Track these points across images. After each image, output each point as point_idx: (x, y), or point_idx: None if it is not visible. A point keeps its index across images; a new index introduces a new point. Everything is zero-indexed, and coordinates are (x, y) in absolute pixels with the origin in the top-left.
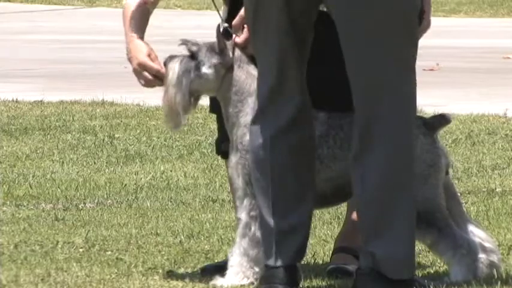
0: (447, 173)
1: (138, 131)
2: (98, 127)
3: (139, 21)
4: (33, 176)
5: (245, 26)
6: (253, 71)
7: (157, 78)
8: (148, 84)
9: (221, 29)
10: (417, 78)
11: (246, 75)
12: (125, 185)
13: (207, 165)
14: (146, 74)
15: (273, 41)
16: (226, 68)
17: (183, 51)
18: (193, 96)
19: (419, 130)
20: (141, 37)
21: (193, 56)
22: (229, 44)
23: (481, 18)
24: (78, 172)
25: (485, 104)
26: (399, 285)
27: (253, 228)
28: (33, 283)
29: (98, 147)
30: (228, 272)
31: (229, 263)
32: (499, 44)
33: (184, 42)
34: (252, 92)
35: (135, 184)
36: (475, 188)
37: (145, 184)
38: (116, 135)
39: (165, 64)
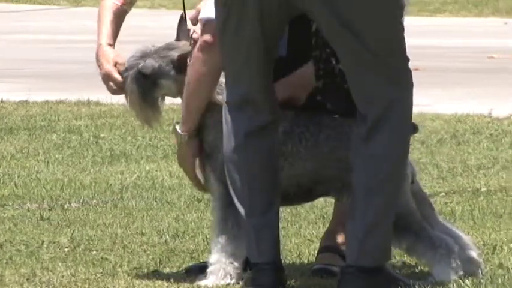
0: (413, 181)
1: (123, 131)
2: (83, 127)
3: (112, 25)
4: (18, 176)
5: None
6: None
7: (121, 88)
8: (114, 93)
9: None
10: None
11: None
12: (110, 184)
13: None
14: (111, 83)
15: (244, 44)
16: (184, 76)
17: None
18: (160, 99)
19: None
20: (110, 43)
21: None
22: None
23: (465, 18)
24: (63, 172)
25: (470, 103)
26: (379, 272)
27: (229, 224)
28: (18, 283)
29: (83, 147)
30: (209, 271)
31: (209, 261)
32: (483, 43)
33: (140, 57)
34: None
35: (121, 184)
36: (460, 188)
37: (131, 184)
38: (101, 135)
39: (121, 75)
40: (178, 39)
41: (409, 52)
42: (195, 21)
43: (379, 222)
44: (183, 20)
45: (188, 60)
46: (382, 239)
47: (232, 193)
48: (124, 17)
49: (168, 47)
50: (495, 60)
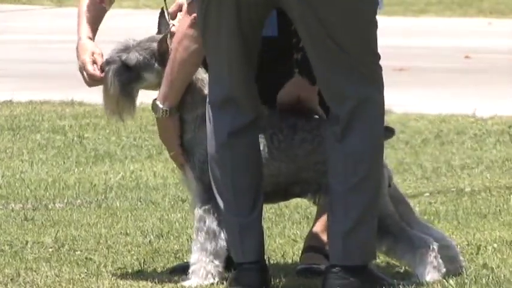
0: (390, 185)
1: (107, 131)
2: (67, 127)
3: (91, 21)
4: (2, 176)
5: (179, 14)
6: None
7: (93, 80)
8: (87, 84)
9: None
10: (386, 78)
11: None
12: (95, 184)
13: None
14: (85, 74)
15: (223, 43)
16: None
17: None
18: (137, 93)
19: None
20: (91, 37)
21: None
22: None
23: (450, 18)
24: (47, 172)
25: (455, 103)
26: (363, 271)
27: (207, 222)
28: (2, 283)
29: (68, 147)
30: (190, 271)
31: (190, 261)
32: (468, 44)
33: (117, 55)
34: (192, 88)
35: (105, 184)
36: (444, 188)
37: (115, 184)
38: (85, 135)
39: (102, 69)
40: (159, 32)
41: (393, 52)
42: (174, 16)
43: (361, 221)
44: (163, 13)
45: (169, 49)
46: (365, 238)
47: (215, 192)
48: (103, 15)
49: (150, 40)
50: (479, 60)
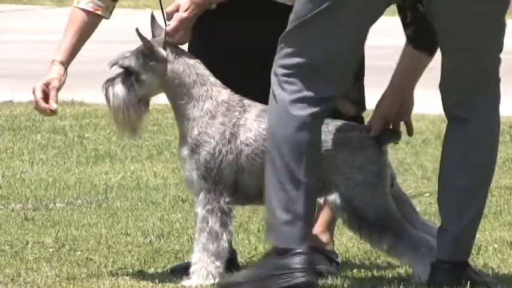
0: (393, 185)
1: (107, 131)
2: (67, 127)
3: (74, 40)
4: (2, 176)
5: (175, 14)
6: (189, 60)
7: (37, 107)
8: (35, 107)
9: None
10: (386, 78)
11: (184, 67)
12: (95, 185)
13: (176, 165)
14: (34, 97)
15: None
16: (162, 64)
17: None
18: (142, 103)
19: (370, 141)
20: (63, 61)
21: (127, 69)
22: (159, 39)
23: None
24: (47, 172)
25: None
26: (467, 265)
27: (210, 222)
28: (2, 283)
29: (68, 147)
30: (191, 271)
31: (191, 261)
32: None
33: (114, 62)
34: (193, 82)
35: (105, 184)
36: None
37: (115, 184)
38: (86, 135)
39: (104, 89)
40: (153, 36)
41: (393, 52)
42: (170, 17)
43: (477, 219)
44: (154, 17)
45: (159, 45)
46: (474, 234)
47: (270, 182)
48: (96, 24)
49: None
50: None
